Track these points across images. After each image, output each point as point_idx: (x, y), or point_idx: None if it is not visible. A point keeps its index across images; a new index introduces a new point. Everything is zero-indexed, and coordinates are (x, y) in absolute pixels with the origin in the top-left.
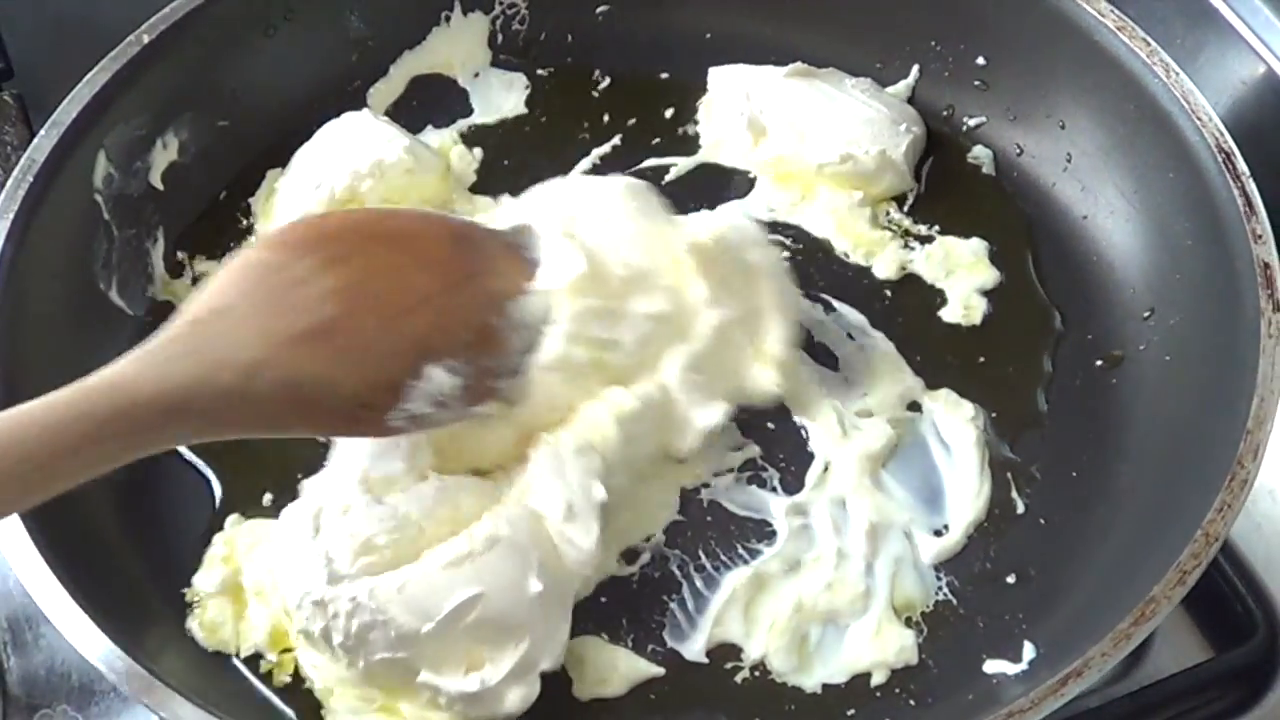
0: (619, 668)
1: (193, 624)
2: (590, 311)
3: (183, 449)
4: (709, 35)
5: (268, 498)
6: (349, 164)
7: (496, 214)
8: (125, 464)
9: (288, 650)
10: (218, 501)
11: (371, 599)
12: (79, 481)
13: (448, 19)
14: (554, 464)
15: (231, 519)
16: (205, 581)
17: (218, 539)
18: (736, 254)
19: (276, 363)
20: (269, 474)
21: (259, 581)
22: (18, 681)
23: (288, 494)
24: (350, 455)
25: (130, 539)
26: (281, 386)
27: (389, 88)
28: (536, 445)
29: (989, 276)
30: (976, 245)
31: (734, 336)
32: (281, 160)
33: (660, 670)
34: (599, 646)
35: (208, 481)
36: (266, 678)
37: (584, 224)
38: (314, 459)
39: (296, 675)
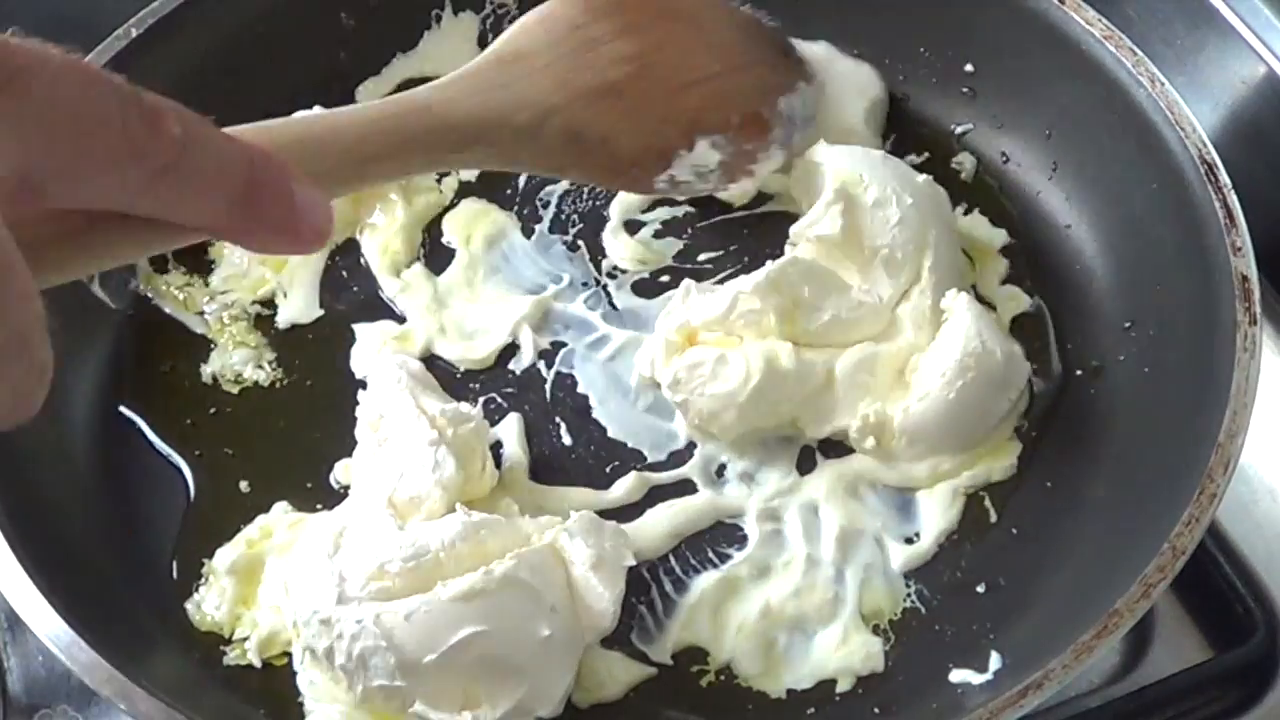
0: (614, 671)
1: (190, 603)
2: (815, 272)
3: (155, 439)
4: None
5: (244, 485)
6: None
7: None
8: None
9: (278, 656)
10: (191, 492)
11: (377, 624)
12: (379, 182)
13: (438, 18)
14: (590, 524)
15: (280, 505)
16: (223, 558)
17: (259, 520)
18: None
19: (567, 112)
20: (244, 464)
21: (274, 586)
22: (18, 681)
23: (263, 481)
24: (374, 479)
25: (102, 534)
26: (567, 134)
27: (377, 86)
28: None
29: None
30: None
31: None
32: None
33: (654, 670)
34: (594, 651)
35: (181, 473)
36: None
37: (869, 191)
38: (289, 455)
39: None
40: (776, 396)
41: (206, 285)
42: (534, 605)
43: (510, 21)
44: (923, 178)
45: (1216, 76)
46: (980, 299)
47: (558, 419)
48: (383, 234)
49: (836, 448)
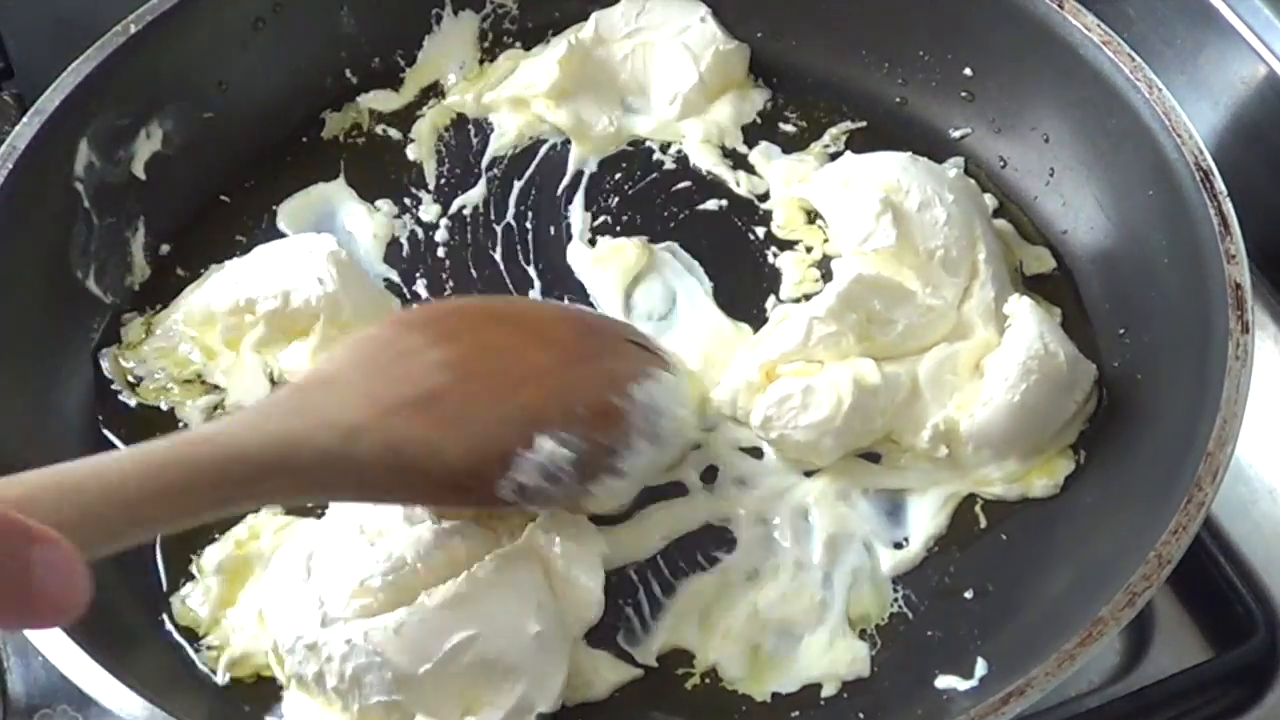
0: (601, 671)
1: (175, 598)
2: (881, 284)
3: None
4: None
5: None
6: (274, 284)
7: None
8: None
9: (248, 675)
10: None
11: (367, 641)
12: (167, 530)
13: (438, 18)
14: (559, 518)
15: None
16: (211, 557)
17: (248, 520)
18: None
19: (380, 427)
20: None
21: (248, 610)
22: (18, 681)
23: None
24: (346, 505)
25: None
26: (383, 451)
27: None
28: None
29: None
30: None
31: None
32: (267, 155)
33: (641, 672)
34: (581, 650)
35: None
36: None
37: (909, 197)
38: None
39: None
40: (870, 413)
41: (138, 356)
42: (520, 603)
43: (510, 22)
44: (953, 172)
45: (1216, 77)
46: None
47: None
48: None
49: None
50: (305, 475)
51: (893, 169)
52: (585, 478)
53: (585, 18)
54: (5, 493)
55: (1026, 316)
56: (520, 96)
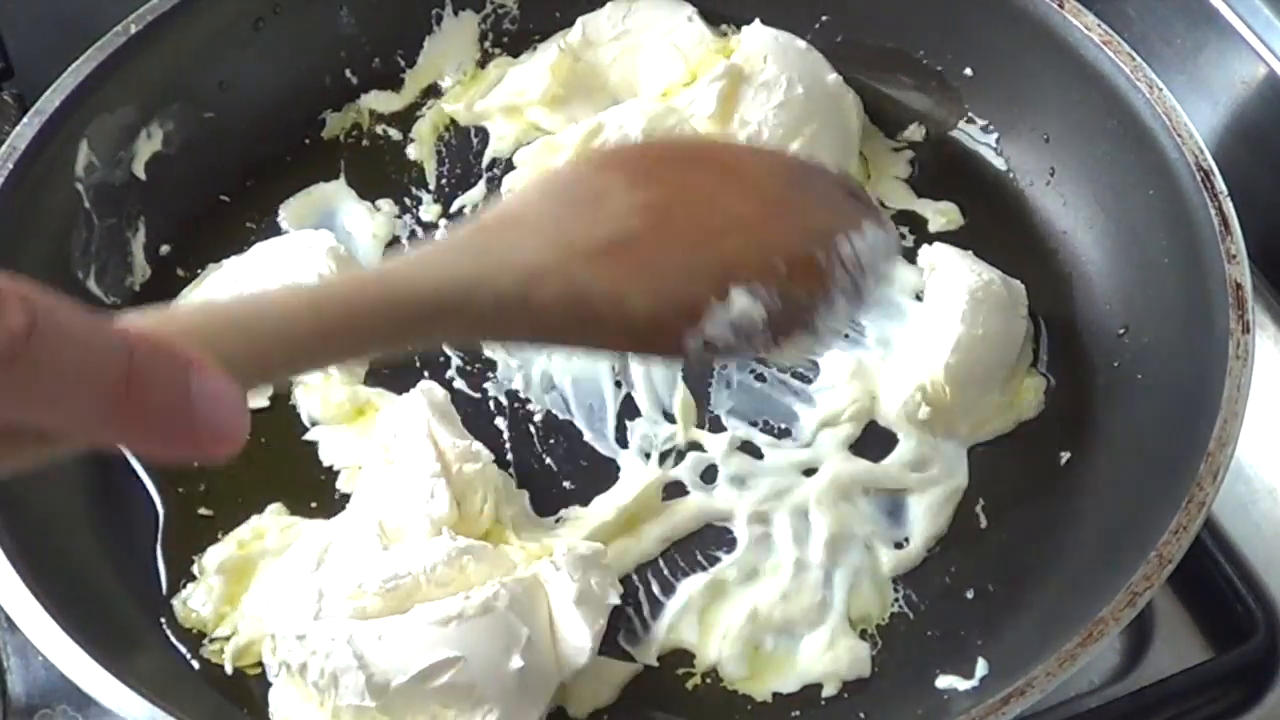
0: (604, 674)
1: (177, 600)
2: None
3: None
4: None
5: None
6: (275, 280)
7: None
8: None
9: (252, 665)
10: (160, 519)
11: (350, 643)
12: (323, 368)
13: (439, 19)
14: (578, 559)
15: (274, 507)
16: (213, 557)
17: (252, 520)
18: None
19: (565, 271)
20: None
21: (259, 596)
22: (18, 682)
23: (226, 506)
24: (371, 500)
25: (90, 532)
26: (566, 298)
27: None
28: (558, 538)
29: None
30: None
31: None
32: (268, 155)
33: (641, 667)
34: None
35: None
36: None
37: (765, 72)
38: (258, 481)
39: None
40: None
41: None
42: (509, 635)
43: (510, 22)
44: (834, 78)
45: (1216, 77)
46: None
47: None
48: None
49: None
50: (480, 318)
51: (769, 45)
52: (778, 334)
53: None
54: (164, 325)
55: (949, 256)
56: (513, 104)
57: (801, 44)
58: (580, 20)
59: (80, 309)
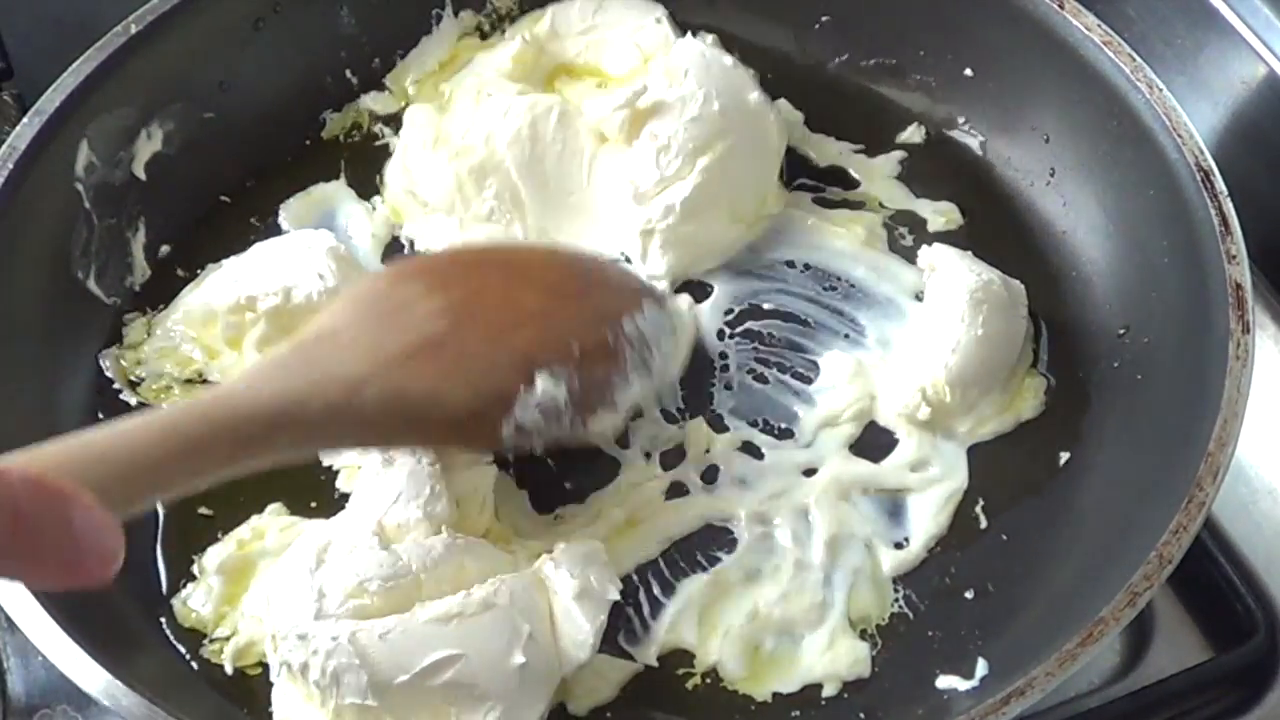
0: (604, 671)
1: (177, 599)
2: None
3: None
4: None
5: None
6: (275, 280)
7: None
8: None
9: (252, 665)
10: (160, 519)
11: (351, 642)
12: (186, 490)
13: (438, 18)
14: (577, 555)
15: (273, 507)
16: (213, 557)
17: (252, 520)
18: None
19: (384, 377)
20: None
21: (258, 597)
22: (18, 681)
23: (226, 507)
24: (370, 499)
25: None
26: (389, 400)
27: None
28: (558, 536)
29: None
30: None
31: None
32: (268, 155)
33: (641, 666)
34: None
35: None
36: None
37: (683, 86)
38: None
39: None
40: None
41: (137, 356)
42: (510, 632)
43: (510, 21)
44: (756, 96)
45: (1216, 77)
46: None
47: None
48: None
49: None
50: (314, 428)
51: (693, 59)
52: (582, 412)
53: None
54: (32, 464)
55: (948, 256)
56: (477, 88)
57: (728, 60)
58: (549, 10)
59: None
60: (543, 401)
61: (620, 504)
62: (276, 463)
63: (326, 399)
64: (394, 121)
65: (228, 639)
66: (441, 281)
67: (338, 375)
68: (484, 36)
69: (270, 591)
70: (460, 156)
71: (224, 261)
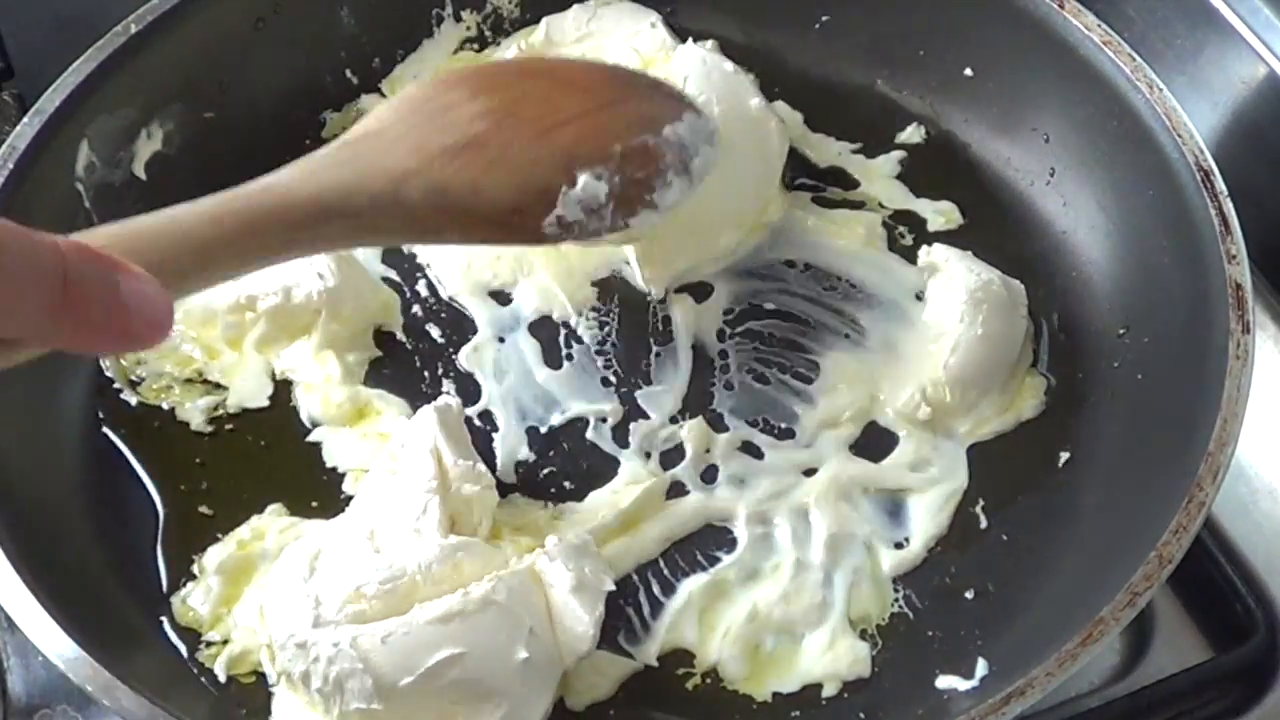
0: (603, 668)
1: (176, 598)
2: None
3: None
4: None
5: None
6: (275, 280)
7: None
8: (277, 259)
9: (246, 674)
10: (160, 518)
11: (353, 647)
12: (236, 275)
13: (439, 19)
14: (570, 548)
15: (274, 507)
16: (213, 556)
17: (252, 520)
18: None
19: (428, 171)
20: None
21: (250, 608)
22: (18, 681)
23: (226, 506)
24: (368, 506)
25: (89, 531)
26: (432, 194)
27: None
28: (556, 533)
29: None
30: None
31: None
32: (268, 155)
33: (641, 665)
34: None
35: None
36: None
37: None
38: (258, 480)
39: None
40: None
41: (137, 356)
42: (512, 628)
43: (511, 25)
44: (757, 103)
45: (1216, 77)
46: None
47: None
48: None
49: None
50: (360, 218)
51: (694, 65)
52: (623, 210)
53: None
54: (89, 239)
55: (948, 257)
56: None
57: (729, 67)
58: (545, 20)
59: (14, 226)
60: (584, 198)
61: (620, 504)
62: (326, 250)
63: (372, 191)
64: None
65: (223, 645)
66: (485, 87)
67: (383, 168)
68: (481, 48)
69: (264, 602)
70: None
71: None
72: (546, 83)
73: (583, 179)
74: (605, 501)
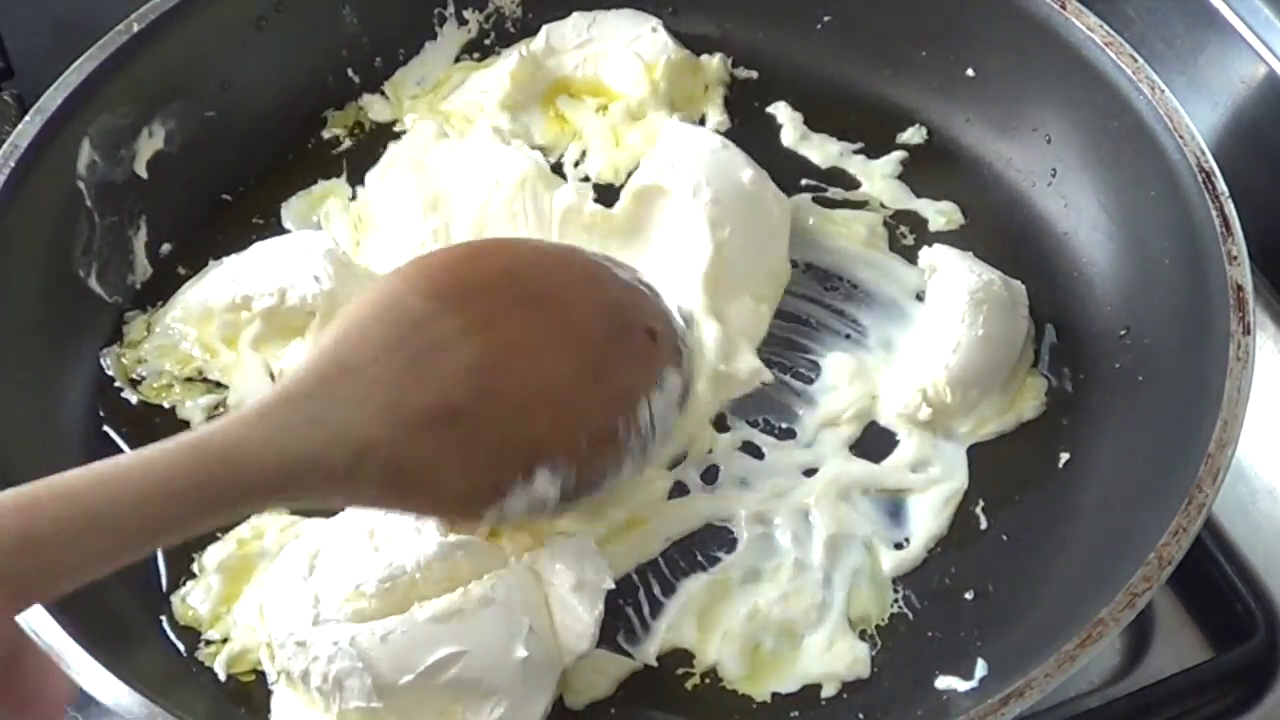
0: (602, 667)
1: (176, 596)
2: None
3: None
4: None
5: None
6: (271, 281)
7: None
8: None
9: (245, 673)
10: None
11: (353, 645)
12: (173, 542)
13: (441, 19)
14: (570, 548)
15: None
16: (213, 555)
17: (251, 519)
18: None
19: (393, 445)
20: None
21: (250, 607)
22: None
23: None
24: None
25: None
26: (388, 473)
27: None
28: (556, 531)
29: None
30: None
31: None
32: (270, 153)
33: (641, 664)
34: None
35: None
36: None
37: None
38: None
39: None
40: None
41: (138, 355)
42: (511, 626)
43: (513, 25)
44: (750, 174)
45: (1216, 77)
46: None
47: None
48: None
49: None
50: (311, 492)
51: (676, 148)
52: (565, 500)
53: None
54: (19, 512)
55: (949, 257)
56: (473, 103)
57: (716, 143)
58: (545, 28)
59: None
60: (535, 495)
61: (620, 504)
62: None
63: (333, 465)
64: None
65: (222, 643)
66: (479, 321)
67: (351, 436)
68: (482, 56)
69: (263, 600)
70: (423, 179)
71: (225, 260)
72: (543, 322)
73: (540, 476)
74: (606, 503)
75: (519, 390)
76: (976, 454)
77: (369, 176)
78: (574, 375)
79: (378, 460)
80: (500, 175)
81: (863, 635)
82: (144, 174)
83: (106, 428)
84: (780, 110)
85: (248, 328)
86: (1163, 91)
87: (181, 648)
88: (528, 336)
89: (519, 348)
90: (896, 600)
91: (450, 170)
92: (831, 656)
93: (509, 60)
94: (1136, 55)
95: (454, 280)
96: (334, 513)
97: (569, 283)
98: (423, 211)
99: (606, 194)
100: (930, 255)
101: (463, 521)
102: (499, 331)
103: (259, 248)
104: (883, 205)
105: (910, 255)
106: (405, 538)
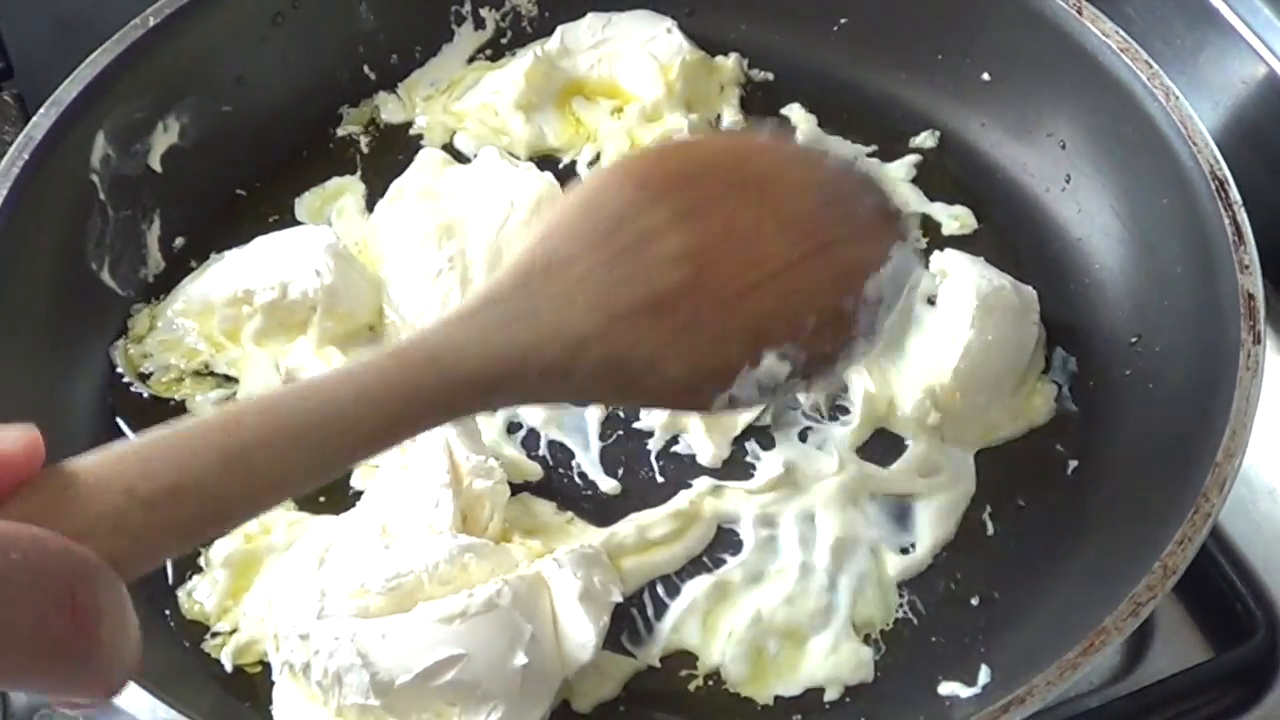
0: (607, 668)
1: (182, 591)
2: None
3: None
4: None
5: None
6: (272, 275)
7: None
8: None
9: (251, 664)
10: None
11: (354, 641)
12: (373, 455)
13: (458, 17)
14: (580, 556)
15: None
16: (220, 550)
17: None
18: None
19: (607, 338)
20: None
21: (259, 597)
22: None
23: None
24: (379, 501)
25: None
26: (606, 364)
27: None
28: (569, 539)
29: None
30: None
31: None
32: (284, 149)
33: (645, 665)
34: None
35: None
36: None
37: None
38: None
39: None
40: None
41: (143, 349)
42: (513, 632)
43: (530, 25)
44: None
45: (1216, 76)
46: None
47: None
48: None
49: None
50: (524, 389)
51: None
52: (799, 386)
53: None
54: (226, 427)
55: (960, 262)
56: (487, 104)
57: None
58: (559, 29)
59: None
60: (763, 380)
61: (649, 531)
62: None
63: (546, 361)
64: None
65: (230, 635)
66: (690, 208)
67: (561, 331)
68: (497, 56)
69: (272, 591)
70: (434, 208)
71: (225, 254)
72: (757, 209)
73: (767, 360)
74: (635, 522)
75: (736, 276)
76: (984, 459)
77: (377, 208)
78: (793, 257)
79: (593, 354)
80: (514, 197)
81: (867, 639)
82: (158, 168)
83: (119, 419)
84: (794, 112)
85: (249, 322)
86: (1177, 98)
87: (187, 643)
88: (741, 221)
89: (732, 233)
90: (901, 605)
91: (462, 196)
92: (835, 660)
93: (523, 60)
94: (1152, 62)
95: (661, 170)
96: (341, 510)
97: (781, 165)
98: (437, 239)
99: None
100: (942, 259)
101: (692, 410)
102: (711, 218)
103: (260, 242)
104: None
105: (922, 259)
106: (417, 537)
